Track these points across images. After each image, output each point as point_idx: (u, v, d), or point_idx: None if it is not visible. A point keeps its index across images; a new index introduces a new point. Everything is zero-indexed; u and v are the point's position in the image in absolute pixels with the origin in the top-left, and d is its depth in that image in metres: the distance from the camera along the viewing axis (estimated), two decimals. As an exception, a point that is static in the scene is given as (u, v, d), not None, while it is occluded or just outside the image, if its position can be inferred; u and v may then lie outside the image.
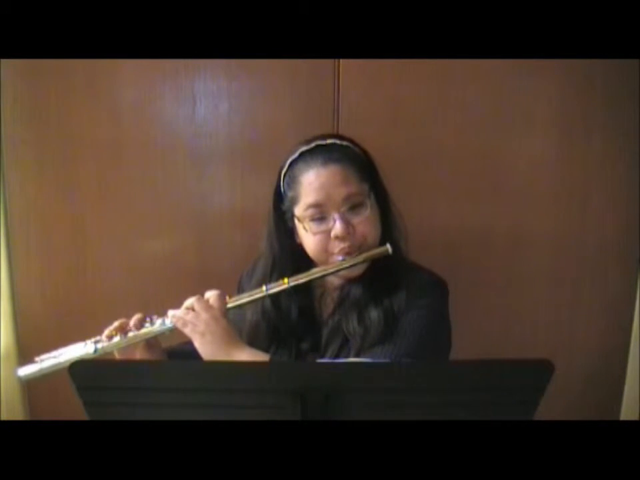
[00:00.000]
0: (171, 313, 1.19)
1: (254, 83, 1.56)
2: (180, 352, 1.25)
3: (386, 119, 1.56)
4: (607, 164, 1.58)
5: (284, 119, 1.56)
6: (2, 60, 1.50)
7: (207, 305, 1.17)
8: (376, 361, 1.11)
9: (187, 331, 1.16)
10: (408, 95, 1.55)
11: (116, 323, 1.20)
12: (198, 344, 1.15)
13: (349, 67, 1.53)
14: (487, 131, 1.57)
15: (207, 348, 1.14)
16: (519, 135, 1.57)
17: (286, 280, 1.19)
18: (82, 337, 1.21)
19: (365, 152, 1.24)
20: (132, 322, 1.20)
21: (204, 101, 1.57)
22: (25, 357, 1.61)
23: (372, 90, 1.55)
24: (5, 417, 1.61)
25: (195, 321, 1.15)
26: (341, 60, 1.52)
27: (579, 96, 1.55)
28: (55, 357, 1.18)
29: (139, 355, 1.22)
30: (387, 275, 1.21)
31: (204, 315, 1.16)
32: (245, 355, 1.15)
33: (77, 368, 0.86)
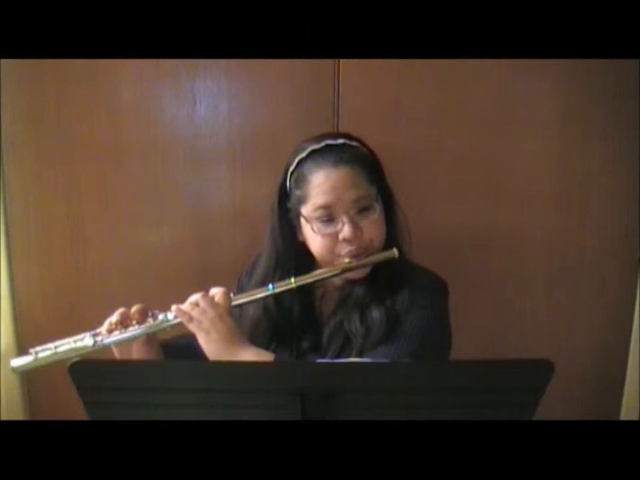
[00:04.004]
0: (174, 307, 1.18)
1: (254, 82, 1.56)
2: (176, 345, 1.24)
3: (386, 119, 1.56)
4: (606, 164, 1.58)
5: (284, 119, 1.56)
6: (2, 60, 1.50)
7: (213, 303, 1.16)
8: (376, 360, 1.11)
9: (192, 327, 1.15)
10: (408, 95, 1.55)
11: (116, 315, 1.19)
12: (203, 342, 1.14)
13: (349, 67, 1.53)
14: (486, 130, 1.57)
15: (212, 346, 1.14)
16: (518, 134, 1.57)
17: (293, 280, 1.19)
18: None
19: (372, 153, 1.24)
20: (132, 310, 1.19)
21: (204, 101, 1.57)
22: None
23: (372, 90, 1.55)
24: (5, 417, 1.61)
25: (200, 317, 1.15)
26: (341, 60, 1.52)
27: (579, 96, 1.55)
28: (50, 349, 1.17)
29: (135, 348, 1.20)
30: (389, 276, 1.21)
31: (210, 313, 1.15)
32: (250, 354, 1.14)
33: (78, 368, 0.86)
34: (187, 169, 1.60)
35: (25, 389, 1.69)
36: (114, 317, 1.19)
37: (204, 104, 1.57)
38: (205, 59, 1.52)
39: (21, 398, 1.69)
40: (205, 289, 1.21)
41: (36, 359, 1.17)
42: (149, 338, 1.21)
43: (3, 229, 1.61)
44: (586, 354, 1.68)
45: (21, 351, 1.64)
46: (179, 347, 1.22)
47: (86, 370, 0.88)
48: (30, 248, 1.63)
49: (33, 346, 1.20)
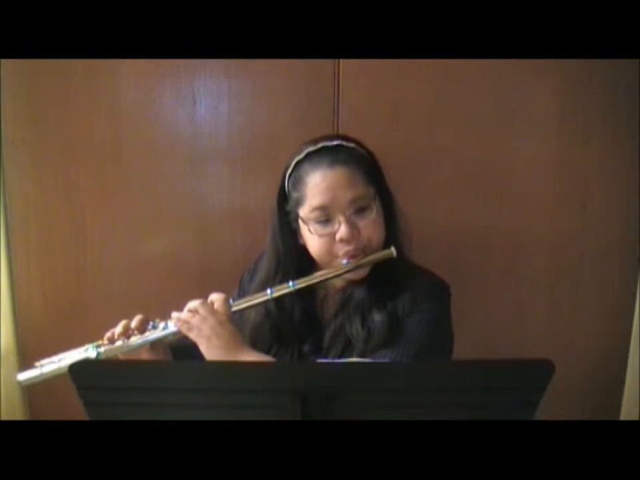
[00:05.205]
0: (174, 315, 1.18)
1: (254, 82, 1.56)
2: (183, 346, 1.24)
3: (386, 119, 1.56)
4: (606, 164, 1.58)
5: (284, 119, 1.56)
6: (2, 60, 1.50)
7: (213, 309, 1.16)
8: (376, 361, 1.11)
9: (193, 335, 1.15)
10: (408, 94, 1.55)
11: (119, 327, 1.19)
12: (204, 348, 1.14)
13: (349, 66, 1.53)
14: (486, 131, 1.57)
15: (213, 352, 1.13)
16: (518, 134, 1.57)
17: (291, 283, 1.18)
18: (82, 337, 1.20)
19: (370, 154, 1.23)
20: (134, 323, 1.19)
21: (204, 101, 1.57)
22: (24, 357, 1.62)
23: (372, 90, 1.55)
24: (4, 417, 1.61)
25: (200, 325, 1.15)
26: (340, 60, 1.52)
27: (579, 96, 1.55)
28: (55, 362, 1.17)
29: (143, 353, 1.21)
30: (390, 278, 1.20)
31: (210, 319, 1.15)
32: (251, 359, 1.14)
33: (77, 368, 0.86)
34: (187, 169, 1.59)
35: (25, 389, 1.69)
36: (117, 329, 1.19)
37: (204, 104, 1.57)
38: (205, 59, 1.52)
39: (21, 398, 1.69)
40: (205, 289, 1.21)
41: (41, 373, 1.17)
42: (154, 344, 1.21)
43: (3, 229, 1.61)
44: (586, 354, 1.68)
45: (21, 351, 1.65)
46: (187, 347, 1.21)
47: (86, 370, 0.88)
48: (30, 248, 1.63)
49: (33, 346, 1.21)
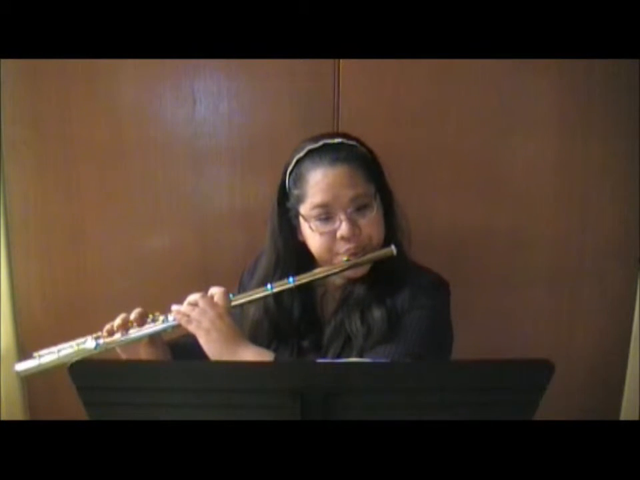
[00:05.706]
0: (174, 308, 1.19)
1: (254, 83, 1.56)
2: (183, 345, 1.25)
3: (386, 119, 1.56)
4: (606, 164, 1.58)
5: (284, 119, 1.56)
6: (2, 60, 1.50)
7: (212, 302, 1.17)
8: (376, 360, 1.11)
9: (192, 327, 1.15)
10: (408, 94, 1.55)
11: (118, 320, 1.20)
12: (203, 341, 1.15)
13: (349, 67, 1.53)
14: (487, 130, 1.57)
15: (212, 346, 1.14)
16: (518, 134, 1.57)
17: (291, 279, 1.19)
18: (82, 337, 1.20)
19: (371, 152, 1.24)
20: (132, 315, 1.20)
21: (204, 101, 1.57)
22: (24, 357, 1.61)
23: (372, 90, 1.55)
24: (4, 417, 1.61)
25: (200, 318, 1.15)
26: (340, 60, 1.52)
27: (579, 96, 1.55)
28: (54, 352, 1.17)
29: (142, 349, 1.22)
30: (389, 275, 1.20)
31: (210, 313, 1.15)
32: (250, 353, 1.14)
33: (78, 368, 0.86)
34: (187, 169, 1.60)
35: (25, 389, 1.69)
36: (115, 321, 1.20)
37: (204, 104, 1.57)
38: (205, 59, 1.52)
39: (21, 398, 1.69)
40: (205, 287, 1.21)
41: (40, 363, 1.17)
42: (153, 339, 1.22)
43: (3, 229, 1.61)
44: (586, 354, 1.68)
45: (21, 351, 1.65)
46: (186, 346, 1.22)
47: (86, 370, 0.88)
48: (30, 248, 1.63)
49: (33, 346, 1.21)
